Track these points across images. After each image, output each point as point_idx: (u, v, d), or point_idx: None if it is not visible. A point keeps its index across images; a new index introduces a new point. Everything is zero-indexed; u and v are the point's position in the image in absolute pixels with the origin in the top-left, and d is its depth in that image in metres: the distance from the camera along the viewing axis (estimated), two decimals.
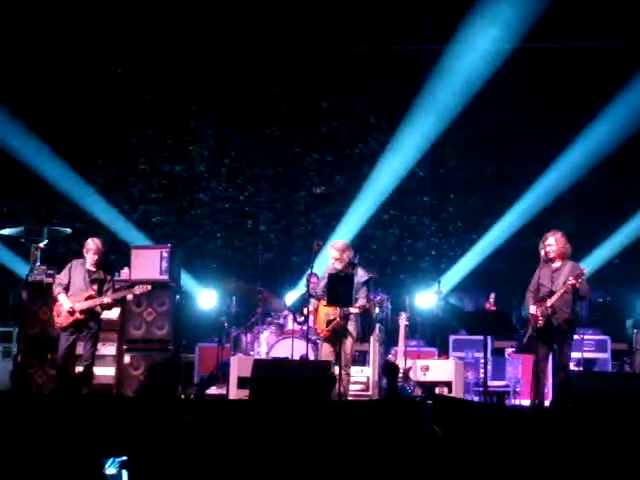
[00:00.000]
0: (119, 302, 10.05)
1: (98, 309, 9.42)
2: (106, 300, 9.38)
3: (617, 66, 13.00)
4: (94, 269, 9.51)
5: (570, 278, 8.69)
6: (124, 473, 6.13)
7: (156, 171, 14.52)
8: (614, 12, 12.41)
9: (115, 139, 14.43)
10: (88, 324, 9.37)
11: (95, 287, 9.43)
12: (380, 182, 13.84)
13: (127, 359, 10.34)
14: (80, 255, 9.60)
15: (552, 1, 12.05)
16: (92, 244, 9.55)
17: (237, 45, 13.54)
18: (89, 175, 13.96)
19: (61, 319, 9.33)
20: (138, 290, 9.73)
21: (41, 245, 10.45)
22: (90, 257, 9.50)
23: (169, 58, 13.97)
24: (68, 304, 9.28)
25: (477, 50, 12.75)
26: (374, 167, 13.86)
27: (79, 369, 9.48)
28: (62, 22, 13.39)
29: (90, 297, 9.34)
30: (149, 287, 9.82)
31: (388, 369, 10.13)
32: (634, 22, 12.30)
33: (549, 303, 8.75)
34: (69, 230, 11.11)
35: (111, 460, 6.10)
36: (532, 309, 8.86)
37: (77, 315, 9.29)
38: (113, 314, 10.30)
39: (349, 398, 9.59)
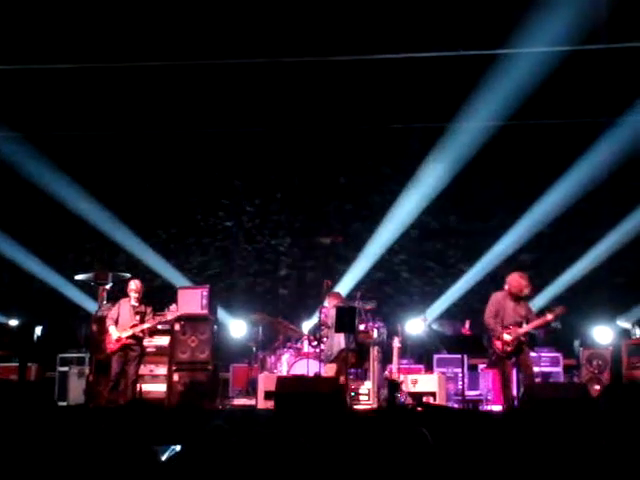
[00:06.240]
0: (167, 331, 11.74)
1: (140, 334, 10.97)
2: (145, 326, 10.94)
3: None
4: (137, 304, 11.10)
5: (549, 315, 10.12)
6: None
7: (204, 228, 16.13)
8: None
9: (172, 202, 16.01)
10: (133, 347, 10.96)
11: (138, 318, 11.01)
12: (388, 230, 14.80)
13: (176, 378, 11.77)
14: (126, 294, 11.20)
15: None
16: (133, 285, 11.20)
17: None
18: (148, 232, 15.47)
19: (111, 345, 10.95)
20: (169, 315, 11.44)
21: (107, 287, 12.06)
22: (133, 295, 11.14)
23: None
24: (116, 333, 10.96)
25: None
26: (385, 216, 14.81)
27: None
28: None
29: (134, 325, 10.95)
30: (177, 313, 11.51)
31: (391, 385, 11.28)
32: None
33: (522, 331, 10.08)
34: (128, 275, 12.24)
35: (165, 449, 6.42)
36: (506, 336, 10.02)
37: (123, 340, 10.86)
38: (164, 341, 11.92)
39: (355, 407, 10.80)
